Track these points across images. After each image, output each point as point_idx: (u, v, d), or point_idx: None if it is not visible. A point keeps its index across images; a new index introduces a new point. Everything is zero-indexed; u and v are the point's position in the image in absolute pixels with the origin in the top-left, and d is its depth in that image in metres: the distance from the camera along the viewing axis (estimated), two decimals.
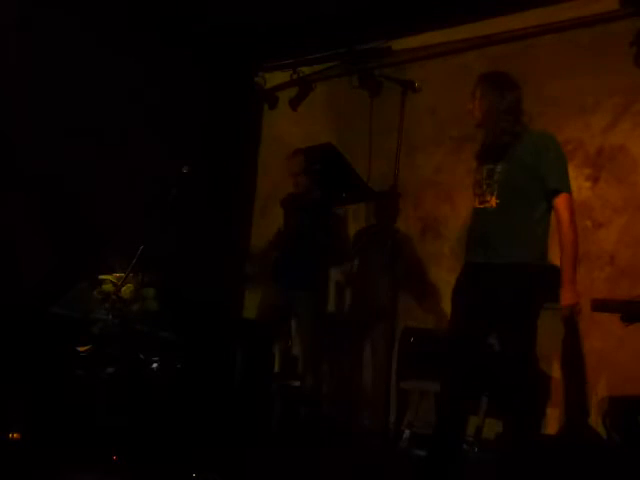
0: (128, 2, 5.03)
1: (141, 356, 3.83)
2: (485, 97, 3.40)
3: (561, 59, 4.69)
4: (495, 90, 3.39)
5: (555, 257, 3.75)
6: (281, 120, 6.00)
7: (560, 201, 3.30)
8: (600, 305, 3.39)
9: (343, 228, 4.94)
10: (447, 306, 4.77)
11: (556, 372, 4.27)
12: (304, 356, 4.68)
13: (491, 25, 4.96)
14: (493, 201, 3.38)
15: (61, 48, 4.73)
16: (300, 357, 4.72)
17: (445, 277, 4.75)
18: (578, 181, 4.59)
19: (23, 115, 4.59)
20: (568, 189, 3.32)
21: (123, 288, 3.97)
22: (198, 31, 5.45)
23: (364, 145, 4.78)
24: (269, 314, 4.71)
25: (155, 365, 3.84)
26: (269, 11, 5.20)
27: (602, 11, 4.53)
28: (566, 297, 3.25)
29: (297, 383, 4.79)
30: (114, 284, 3.99)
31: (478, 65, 5.01)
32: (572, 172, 4.54)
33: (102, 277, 4.08)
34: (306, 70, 5.83)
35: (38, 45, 4.68)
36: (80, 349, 3.80)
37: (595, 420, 4.10)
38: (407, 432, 4.39)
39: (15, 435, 3.51)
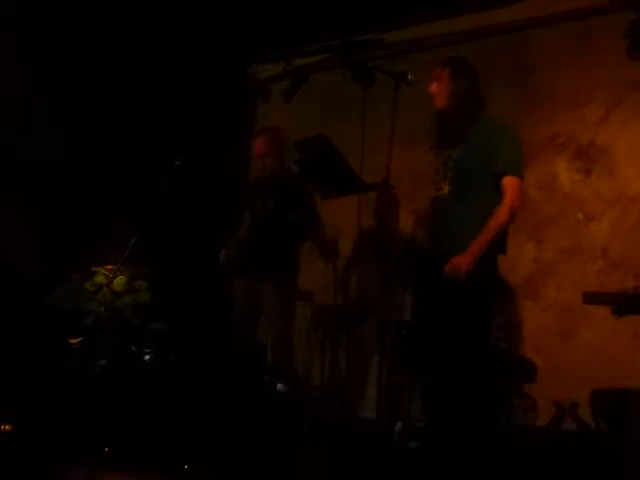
0: None
1: (133, 348, 3.83)
2: (452, 81, 3.40)
3: (553, 52, 4.69)
4: (461, 75, 3.40)
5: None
6: (274, 112, 5.99)
7: (506, 182, 3.26)
8: (592, 297, 3.40)
9: (315, 207, 4.75)
10: None
11: (546, 364, 4.28)
12: (278, 346, 4.55)
13: (484, 17, 4.96)
14: (446, 188, 3.38)
15: (57, 44, 4.72)
16: (274, 347, 4.59)
17: None
18: (570, 174, 4.61)
19: (19, 109, 4.57)
20: (516, 172, 3.28)
21: (115, 280, 3.97)
22: (191, 22, 5.43)
23: (357, 137, 4.76)
24: (242, 306, 4.53)
25: (148, 357, 3.84)
26: (262, 2, 5.19)
27: (594, 4, 4.53)
28: (459, 259, 3.19)
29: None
30: (106, 276, 3.99)
31: (471, 57, 5.02)
32: (564, 164, 4.63)
33: (94, 269, 4.08)
34: (299, 62, 5.82)
35: (36, 44, 4.67)
36: (72, 341, 3.79)
37: (585, 412, 4.12)
38: (399, 424, 4.40)
39: (7, 427, 3.51)
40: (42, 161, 4.67)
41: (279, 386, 4.34)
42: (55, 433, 3.51)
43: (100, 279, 3.98)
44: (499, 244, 3.33)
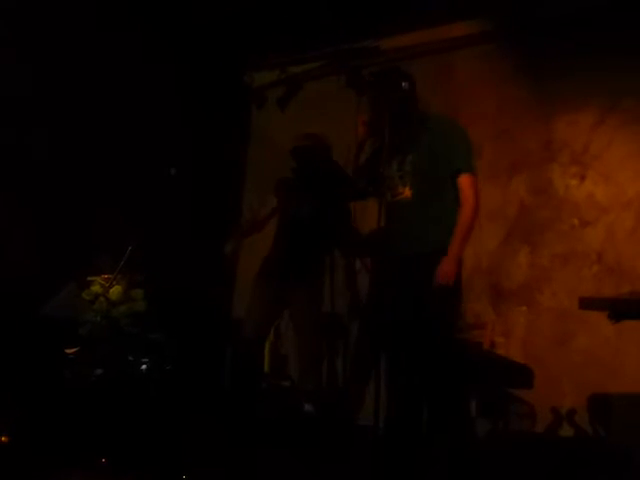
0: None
1: (130, 357, 3.82)
2: (377, 103, 3.45)
3: (548, 57, 4.70)
4: (386, 88, 3.44)
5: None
6: (269, 120, 5.99)
7: (463, 180, 3.35)
8: (587, 303, 3.40)
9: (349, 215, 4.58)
10: None
11: (543, 370, 4.29)
12: (303, 355, 4.48)
13: (478, 23, 4.97)
14: (407, 192, 3.41)
15: (50, 48, 4.72)
16: (299, 356, 4.52)
17: None
18: (565, 179, 4.62)
19: (17, 115, 4.57)
20: (470, 169, 3.37)
21: (111, 289, 3.97)
22: (185, 29, 5.44)
23: (352, 144, 4.76)
24: (261, 311, 4.45)
25: (144, 366, 3.83)
26: (257, 9, 5.20)
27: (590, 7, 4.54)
28: (443, 268, 3.26)
29: (287, 383, 4.78)
30: (102, 285, 3.99)
31: (465, 63, 5.05)
32: (558, 170, 4.64)
33: (90, 278, 4.07)
34: (294, 69, 5.83)
35: (33, 45, 4.67)
36: (68, 351, 3.79)
37: (582, 417, 4.12)
38: None
39: (3, 438, 3.50)
40: (37, 170, 4.67)
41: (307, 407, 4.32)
42: (52, 443, 3.49)
43: (96, 288, 3.98)
44: None
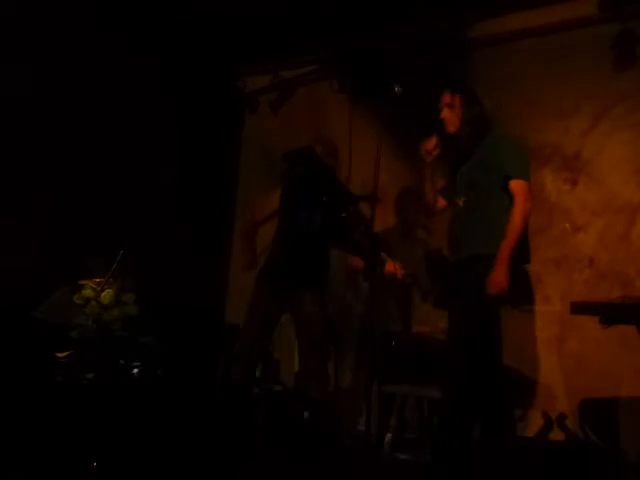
0: (105, 5, 5.00)
1: (121, 362, 3.80)
2: (463, 108, 3.61)
3: (541, 63, 4.73)
4: (471, 102, 3.62)
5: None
6: (262, 124, 6.00)
7: (513, 186, 3.45)
8: (579, 308, 3.41)
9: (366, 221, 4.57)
10: (426, 309, 4.84)
11: (535, 374, 4.29)
12: (308, 360, 4.42)
13: (471, 30, 4.99)
14: (460, 202, 3.60)
15: (45, 53, 4.72)
16: (303, 361, 4.48)
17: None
18: (557, 184, 4.64)
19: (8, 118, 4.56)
20: (522, 176, 3.46)
21: (103, 293, 3.94)
22: (178, 34, 5.45)
23: (345, 149, 4.78)
24: (262, 316, 4.32)
25: (135, 371, 3.81)
26: (249, 14, 5.21)
27: (581, 15, 4.57)
28: (493, 278, 3.32)
29: (279, 387, 4.77)
30: (94, 289, 3.96)
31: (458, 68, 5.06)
32: (550, 175, 4.66)
33: (82, 282, 4.05)
34: (287, 74, 5.84)
35: (28, 52, 4.67)
36: (59, 355, 3.77)
37: (573, 421, 4.13)
38: (389, 436, 4.39)
39: None
40: (29, 174, 4.65)
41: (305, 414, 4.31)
42: (42, 447, 3.48)
43: (88, 292, 3.95)
44: (523, 254, 3.52)
